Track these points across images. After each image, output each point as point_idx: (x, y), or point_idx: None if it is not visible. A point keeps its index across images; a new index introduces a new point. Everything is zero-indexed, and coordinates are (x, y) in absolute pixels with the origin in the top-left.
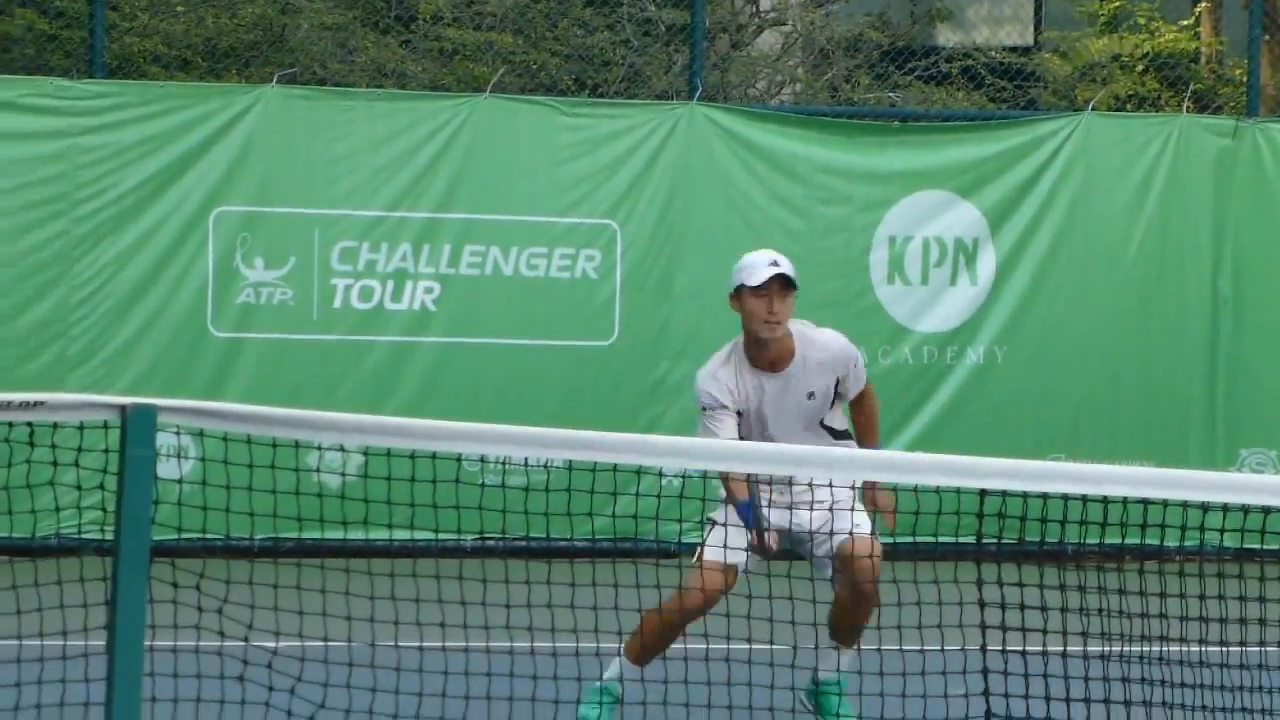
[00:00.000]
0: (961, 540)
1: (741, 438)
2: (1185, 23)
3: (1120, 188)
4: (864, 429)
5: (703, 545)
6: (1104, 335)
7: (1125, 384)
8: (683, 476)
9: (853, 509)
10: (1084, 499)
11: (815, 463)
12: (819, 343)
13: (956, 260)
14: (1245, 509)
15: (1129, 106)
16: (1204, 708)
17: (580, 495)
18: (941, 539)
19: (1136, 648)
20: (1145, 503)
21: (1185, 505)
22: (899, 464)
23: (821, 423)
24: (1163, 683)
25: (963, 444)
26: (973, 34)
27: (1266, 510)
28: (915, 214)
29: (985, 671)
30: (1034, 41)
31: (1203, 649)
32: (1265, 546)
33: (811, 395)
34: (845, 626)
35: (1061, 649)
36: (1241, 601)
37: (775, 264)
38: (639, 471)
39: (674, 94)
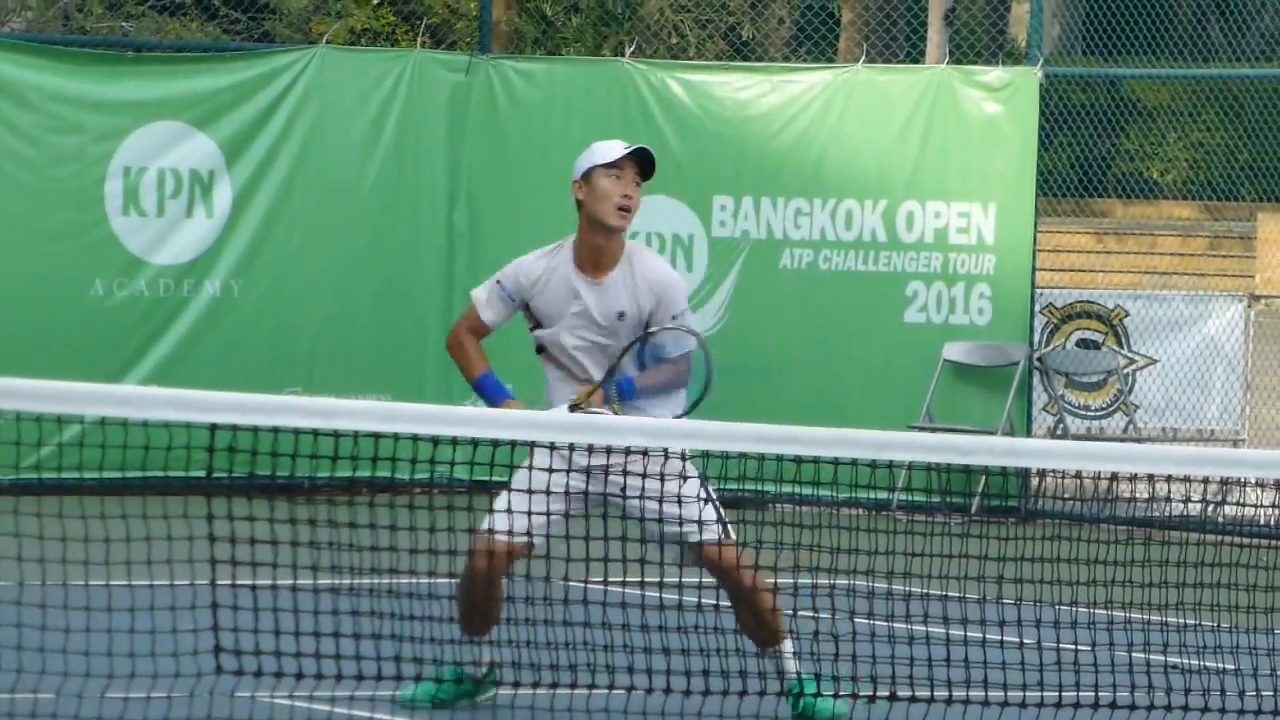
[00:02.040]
0: (192, 475)
1: (540, 325)
2: None
3: (356, 122)
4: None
5: (490, 512)
6: (340, 269)
7: (361, 318)
8: None
9: (699, 499)
10: (315, 433)
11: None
12: (649, 261)
13: (193, 192)
14: (475, 442)
15: (364, 41)
16: (433, 640)
17: None
18: (172, 474)
19: (369, 580)
20: (377, 436)
21: (416, 439)
22: (130, 399)
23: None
24: (393, 615)
25: (200, 378)
26: None
27: (495, 443)
28: (150, 145)
29: (215, 606)
30: None
31: (432, 580)
32: (495, 479)
33: (622, 316)
34: (758, 624)
35: (291, 582)
36: (471, 534)
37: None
38: None
39: None
